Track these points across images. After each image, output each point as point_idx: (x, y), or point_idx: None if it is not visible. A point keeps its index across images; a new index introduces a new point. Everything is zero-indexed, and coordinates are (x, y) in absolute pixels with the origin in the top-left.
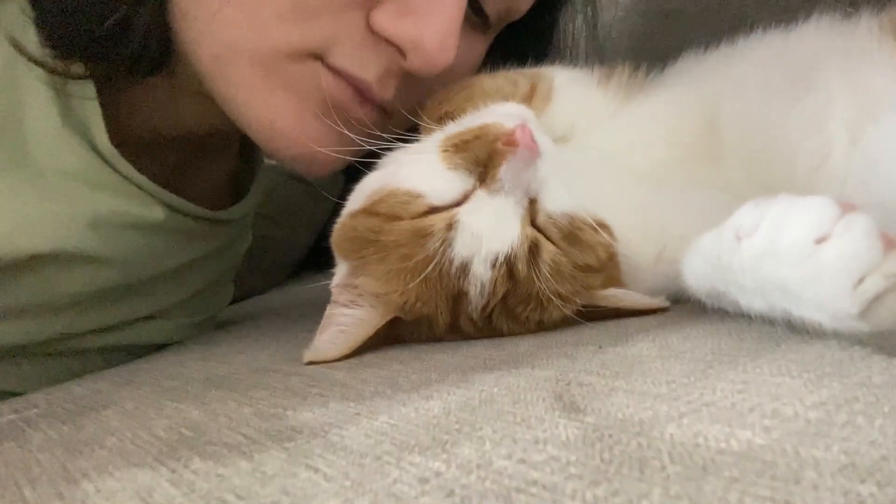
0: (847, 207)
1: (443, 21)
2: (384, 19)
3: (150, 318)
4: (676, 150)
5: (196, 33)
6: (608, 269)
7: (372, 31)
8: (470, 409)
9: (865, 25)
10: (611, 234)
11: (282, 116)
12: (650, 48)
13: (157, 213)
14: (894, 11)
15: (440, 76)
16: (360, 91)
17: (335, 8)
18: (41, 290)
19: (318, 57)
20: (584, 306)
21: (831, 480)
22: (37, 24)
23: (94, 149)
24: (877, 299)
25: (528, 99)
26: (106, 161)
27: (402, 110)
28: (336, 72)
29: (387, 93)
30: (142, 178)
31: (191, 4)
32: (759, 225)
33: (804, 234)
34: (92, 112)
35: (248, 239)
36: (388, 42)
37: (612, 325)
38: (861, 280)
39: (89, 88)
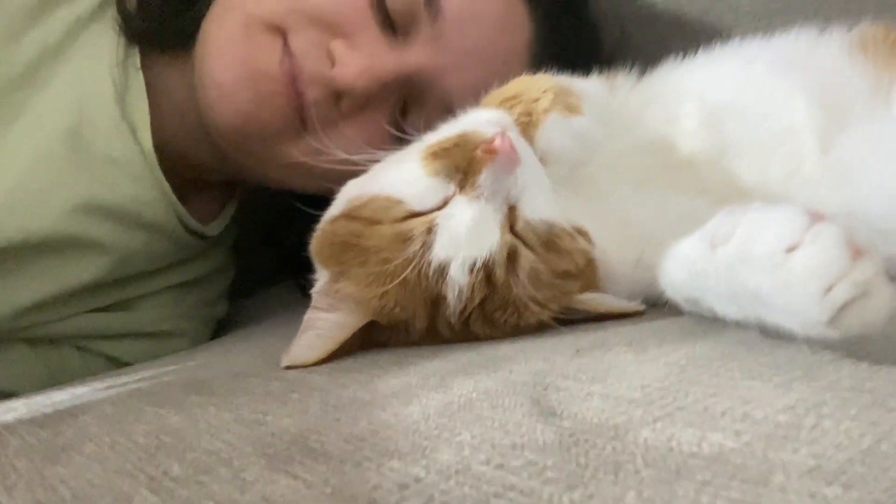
0: (816, 217)
1: (369, 63)
2: (338, 43)
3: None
4: (655, 156)
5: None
6: (586, 274)
7: (328, 49)
8: (449, 415)
9: (838, 39)
10: (589, 240)
11: (228, 69)
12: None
13: (169, 218)
14: (865, 27)
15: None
16: (294, 78)
17: (313, 23)
18: (43, 273)
19: (284, 34)
20: (562, 311)
21: (798, 483)
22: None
23: (140, 146)
24: (845, 307)
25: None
26: (146, 160)
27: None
28: (288, 53)
29: (311, 93)
30: (166, 184)
31: None
32: (733, 233)
33: (775, 242)
34: (142, 115)
35: (225, 279)
36: (330, 57)
37: (590, 330)
38: (830, 288)
39: (142, 93)
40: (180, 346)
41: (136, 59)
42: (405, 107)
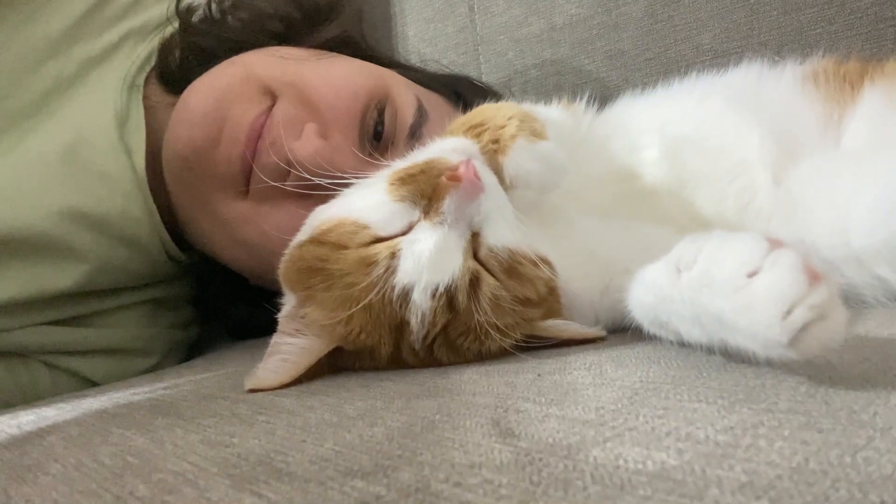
0: (775, 243)
1: (328, 153)
2: (311, 126)
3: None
4: (618, 185)
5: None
6: (548, 302)
7: (302, 127)
8: (412, 436)
9: (790, 74)
10: (552, 268)
11: (203, 103)
12: (595, 86)
13: (152, 239)
14: (816, 62)
15: None
16: (259, 135)
17: (304, 103)
18: (19, 273)
19: (273, 99)
20: (525, 337)
21: (731, 497)
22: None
23: (133, 167)
24: (804, 329)
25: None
26: (137, 181)
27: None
28: (267, 114)
29: (266, 156)
30: (154, 206)
31: (251, 55)
32: (696, 259)
33: (736, 267)
34: (139, 141)
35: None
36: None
37: (552, 355)
38: (789, 311)
39: (141, 123)
40: (149, 365)
41: (139, 95)
42: None
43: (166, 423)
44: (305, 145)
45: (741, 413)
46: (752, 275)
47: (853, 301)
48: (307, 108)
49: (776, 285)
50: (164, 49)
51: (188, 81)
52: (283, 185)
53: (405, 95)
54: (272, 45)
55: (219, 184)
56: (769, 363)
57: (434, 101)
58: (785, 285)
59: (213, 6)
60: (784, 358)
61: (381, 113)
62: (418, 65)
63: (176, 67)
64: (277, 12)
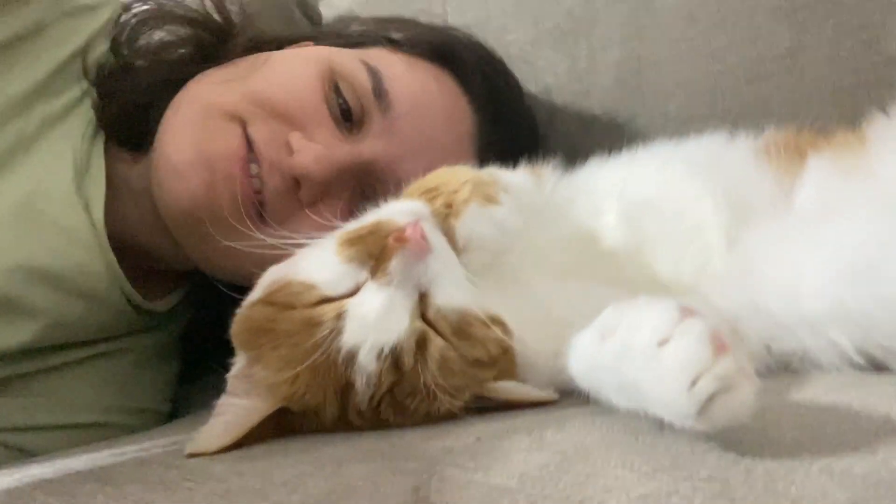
0: (686, 312)
1: (325, 152)
2: (296, 135)
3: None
4: (578, 247)
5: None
6: (501, 363)
7: (286, 140)
8: (329, 502)
9: (744, 146)
10: (506, 329)
11: (183, 152)
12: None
13: (112, 291)
14: (769, 136)
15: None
16: (249, 161)
17: (272, 116)
18: None
19: (242, 124)
20: (474, 399)
21: None
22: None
23: (90, 219)
24: (711, 400)
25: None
26: (95, 232)
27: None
28: (247, 140)
29: (271, 181)
30: (112, 257)
31: (192, 90)
32: (618, 326)
33: (649, 337)
34: (98, 193)
35: (168, 371)
36: (289, 147)
37: (500, 416)
38: (695, 381)
39: (101, 176)
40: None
41: (101, 147)
42: (362, 194)
43: (90, 490)
44: (305, 156)
45: (660, 481)
46: (662, 343)
47: (808, 365)
48: (278, 120)
49: (682, 355)
50: (99, 113)
51: (140, 134)
52: (299, 196)
53: (349, 63)
54: (198, 71)
55: (234, 220)
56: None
57: (377, 56)
58: (690, 355)
59: (113, 59)
60: (695, 428)
61: (338, 92)
62: (340, 24)
63: (120, 126)
64: (181, 38)
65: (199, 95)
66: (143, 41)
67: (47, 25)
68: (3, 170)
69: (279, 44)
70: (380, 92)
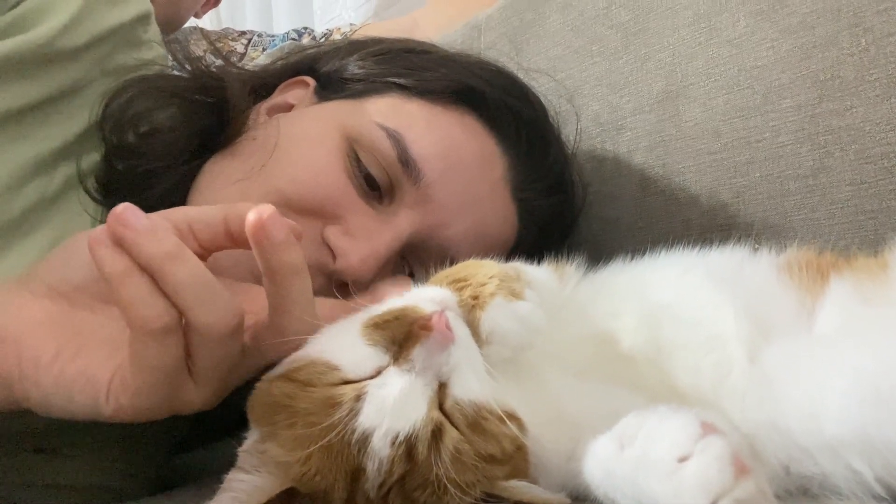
0: (708, 428)
1: (369, 249)
2: (332, 231)
3: None
4: (597, 348)
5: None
6: (514, 460)
7: (322, 237)
8: None
9: (767, 261)
10: (521, 426)
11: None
12: (589, 249)
13: None
14: (790, 253)
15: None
16: None
17: (301, 214)
18: None
19: None
20: (485, 496)
21: None
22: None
23: None
24: None
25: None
26: None
27: None
28: None
29: (315, 282)
30: None
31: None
32: (637, 435)
33: (669, 450)
34: None
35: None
36: (328, 247)
37: None
38: (714, 502)
39: None
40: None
41: None
42: (406, 261)
43: None
44: (350, 260)
45: None
46: (682, 459)
47: (828, 490)
48: (309, 216)
49: (703, 474)
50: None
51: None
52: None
53: (366, 132)
54: (202, 163)
55: None
56: None
57: (391, 111)
58: (711, 475)
59: (121, 135)
60: None
61: (360, 163)
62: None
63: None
64: (190, 129)
65: (222, 196)
66: (144, 126)
67: (85, 85)
68: (22, 229)
69: (272, 86)
70: (407, 161)
